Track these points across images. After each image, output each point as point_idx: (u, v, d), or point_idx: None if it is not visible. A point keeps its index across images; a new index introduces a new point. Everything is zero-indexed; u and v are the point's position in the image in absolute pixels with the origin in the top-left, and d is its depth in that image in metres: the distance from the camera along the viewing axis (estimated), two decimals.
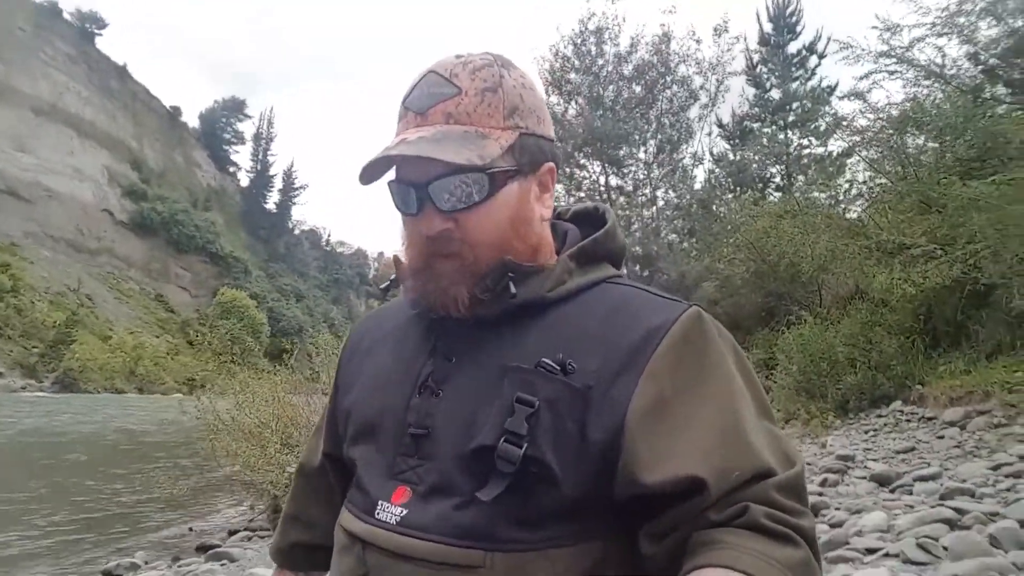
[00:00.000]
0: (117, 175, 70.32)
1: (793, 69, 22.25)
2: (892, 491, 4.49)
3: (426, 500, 0.66)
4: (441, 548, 0.63)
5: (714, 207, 14.81)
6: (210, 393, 8.25)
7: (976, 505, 3.60)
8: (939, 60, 8.08)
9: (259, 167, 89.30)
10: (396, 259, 0.75)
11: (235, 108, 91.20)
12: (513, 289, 0.68)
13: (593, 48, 15.43)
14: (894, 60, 8.34)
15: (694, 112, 16.16)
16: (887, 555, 2.99)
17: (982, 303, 6.81)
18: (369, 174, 0.70)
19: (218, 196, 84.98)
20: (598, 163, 16.20)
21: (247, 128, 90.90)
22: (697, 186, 16.84)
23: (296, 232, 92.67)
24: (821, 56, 21.95)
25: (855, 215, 8.40)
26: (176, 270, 69.48)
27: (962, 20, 7.77)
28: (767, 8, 23.16)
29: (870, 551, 3.08)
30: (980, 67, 7.90)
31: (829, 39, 21.97)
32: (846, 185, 12.58)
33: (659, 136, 15.77)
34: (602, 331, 0.67)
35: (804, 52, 22.34)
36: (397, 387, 0.74)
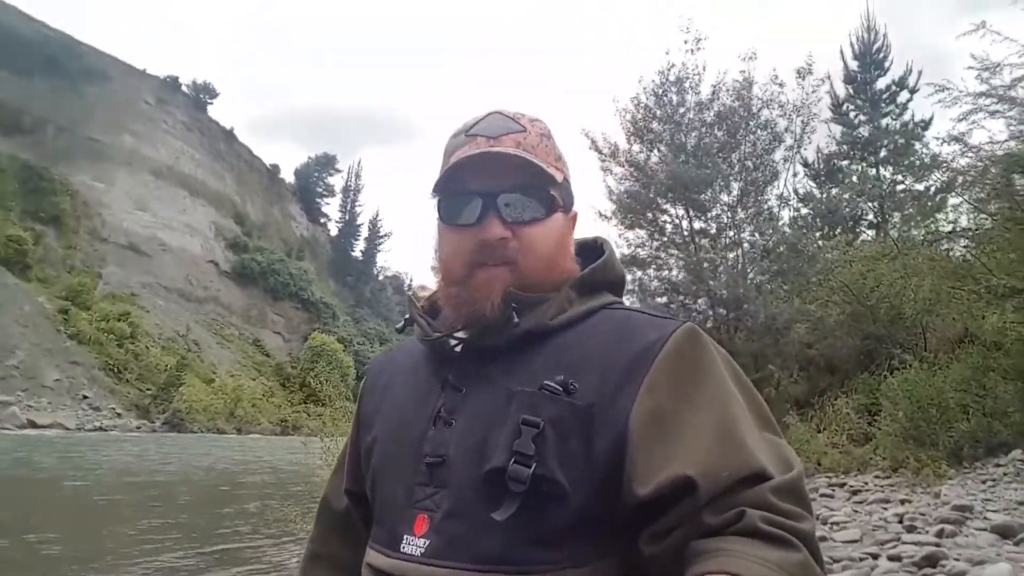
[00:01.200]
0: (223, 229, 76.21)
1: (883, 105, 21.73)
2: (1016, 543, 4.35)
3: (444, 526, 0.68)
4: (463, 574, 0.65)
5: (801, 246, 14.50)
6: (323, 433, 8.86)
7: None
8: None
9: (347, 217, 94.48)
10: (411, 300, 0.82)
11: (326, 163, 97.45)
12: (516, 319, 0.72)
13: (674, 97, 15.75)
14: (994, 100, 8.19)
15: (779, 155, 16.03)
16: None
17: None
18: (446, 183, 0.77)
19: (310, 246, 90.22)
20: (681, 207, 16.29)
21: (337, 181, 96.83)
22: (783, 226, 16.57)
23: (380, 278, 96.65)
24: (912, 91, 21.37)
25: (959, 254, 8.09)
26: (272, 316, 73.87)
27: None
28: (852, 45, 22.92)
29: None
30: None
31: (920, 73, 21.44)
32: (948, 225, 12.13)
33: (743, 179, 15.72)
34: (601, 351, 0.71)
35: (894, 87, 21.84)
36: (413, 421, 0.77)
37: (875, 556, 4.54)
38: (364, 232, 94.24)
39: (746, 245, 15.19)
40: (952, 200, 10.86)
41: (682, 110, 15.63)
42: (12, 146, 56.51)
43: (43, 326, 43.20)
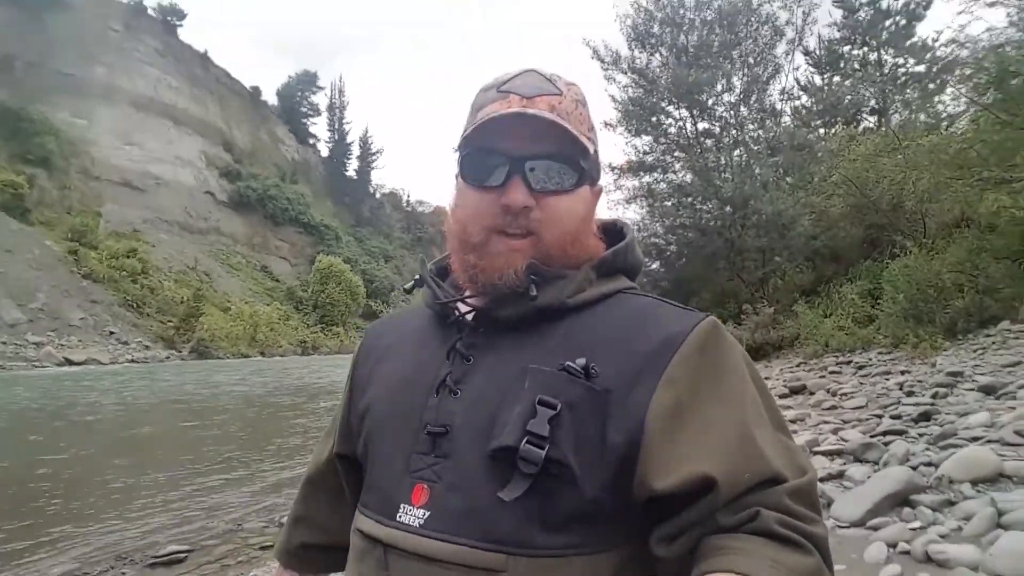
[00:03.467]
0: (213, 158, 75.01)
1: None
2: (997, 398, 5.22)
3: (445, 499, 0.67)
4: (465, 551, 0.64)
5: (804, 140, 14.88)
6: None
7: None
8: None
9: (336, 136, 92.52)
10: (423, 260, 0.79)
11: (308, 81, 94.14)
12: (534, 291, 0.70)
13: None
14: None
15: (780, 48, 16.06)
16: (988, 441, 3.89)
17: None
18: (479, 138, 0.72)
19: (303, 168, 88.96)
20: (685, 109, 16.51)
21: (321, 100, 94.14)
22: (786, 121, 16.86)
23: (377, 196, 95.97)
24: None
25: (955, 147, 8.62)
26: (275, 242, 74.27)
27: None
28: None
29: (975, 439, 3.99)
30: None
31: None
32: (947, 105, 12.46)
33: (745, 77, 15.86)
34: (621, 338, 0.69)
35: None
36: (415, 387, 0.74)
37: (879, 416, 5.48)
38: (356, 150, 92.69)
39: (750, 143, 15.59)
40: (950, 90, 11.15)
41: (682, 10, 15.55)
42: None
43: (57, 268, 43.91)
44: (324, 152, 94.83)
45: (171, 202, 67.02)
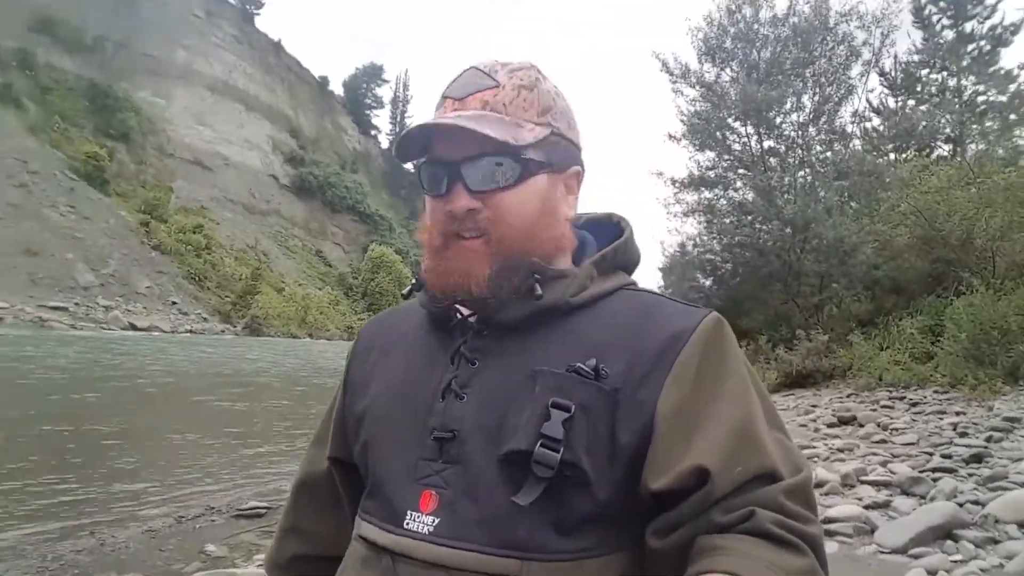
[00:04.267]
0: (279, 144, 77.80)
1: (969, 7, 20.50)
2: None
3: (456, 505, 0.66)
4: (479, 557, 0.63)
5: (873, 166, 14.55)
6: None
7: None
8: None
9: (398, 129, 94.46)
10: (417, 263, 0.78)
11: (374, 74, 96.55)
12: (539, 291, 0.69)
13: (748, 12, 15.51)
14: None
15: (855, 70, 15.74)
16: None
17: None
18: (404, 152, 0.74)
19: (363, 159, 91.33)
20: (751, 126, 16.37)
21: (385, 92, 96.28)
22: (856, 144, 16.53)
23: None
24: None
25: None
26: (331, 228, 76.61)
27: None
28: None
29: None
30: None
31: None
32: None
33: (816, 97, 15.62)
34: (627, 336, 0.68)
35: None
36: (417, 391, 0.73)
37: (929, 454, 5.49)
38: None
39: (817, 165, 15.35)
40: None
41: (756, 26, 15.44)
42: (76, 64, 58.28)
43: (128, 238, 46.48)
44: (385, 144, 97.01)
45: (237, 183, 69.87)
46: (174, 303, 43.78)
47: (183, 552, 4.09)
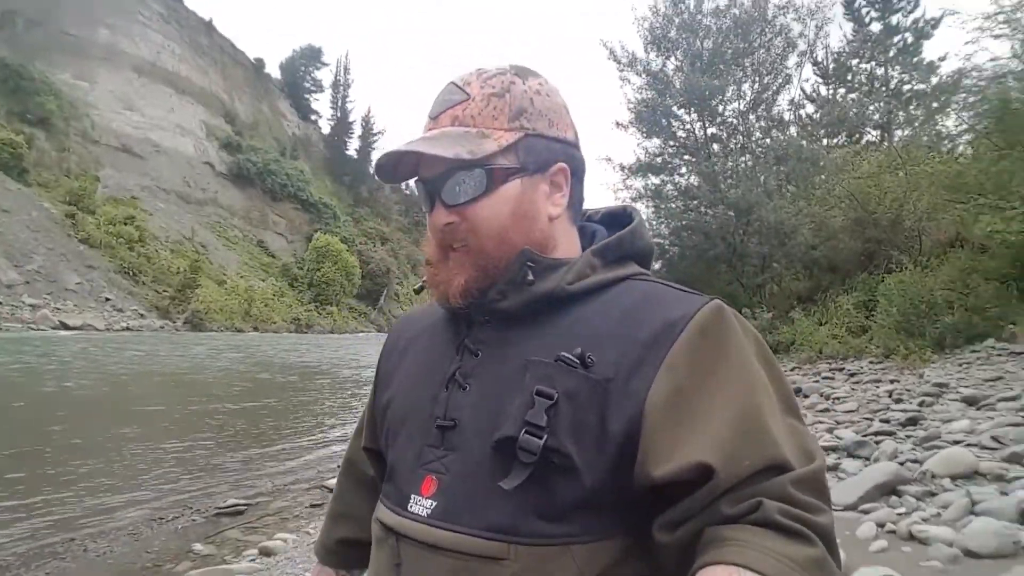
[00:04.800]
0: (214, 129, 74.67)
1: (895, 1, 21.66)
2: (978, 409, 5.71)
3: (452, 490, 0.69)
4: (468, 540, 0.66)
5: (808, 152, 15.30)
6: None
7: None
8: None
9: (339, 114, 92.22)
10: (427, 261, 0.79)
11: (312, 56, 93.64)
12: (531, 277, 0.71)
13: (692, 3, 15.96)
14: (1001, 21, 8.87)
15: (792, 60, 16.47)
16: (968, 444, 4.37)
17: None
18: (390, 174, 0.77)
19: (303, 145, 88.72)
20: (695, 113, 16.89)
21: (325, 76, 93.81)
22: (793, 131, 17.31)
23: (377, 177, 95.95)
24: None
25: (954, 169, 9.09)
26: (273, 217, 74.23)
27: None
28: None
29: (956, 442, 4.48)
30: None
31: None
32: (949, 129, 12.94)
33: (756, 86, 16.27)
34: (622, 324, 0.69)
35: None
36: (427, 382, 0.77)
37: (869, 420, 5.97)
38: (357, 130, 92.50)
39: (757, 151, 16.02)
40: (952, 115, 11.61)
41: (700, 16, 15.92)
42: None
43: (54, 231, 43.85)
44: (326, 129, 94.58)
45: (170, 171, 66.78)
46: (107, 299, 41.62)
47: (170, 552, 4.07)
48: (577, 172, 0.78)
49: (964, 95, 9.66)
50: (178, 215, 62.92)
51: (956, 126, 11.36)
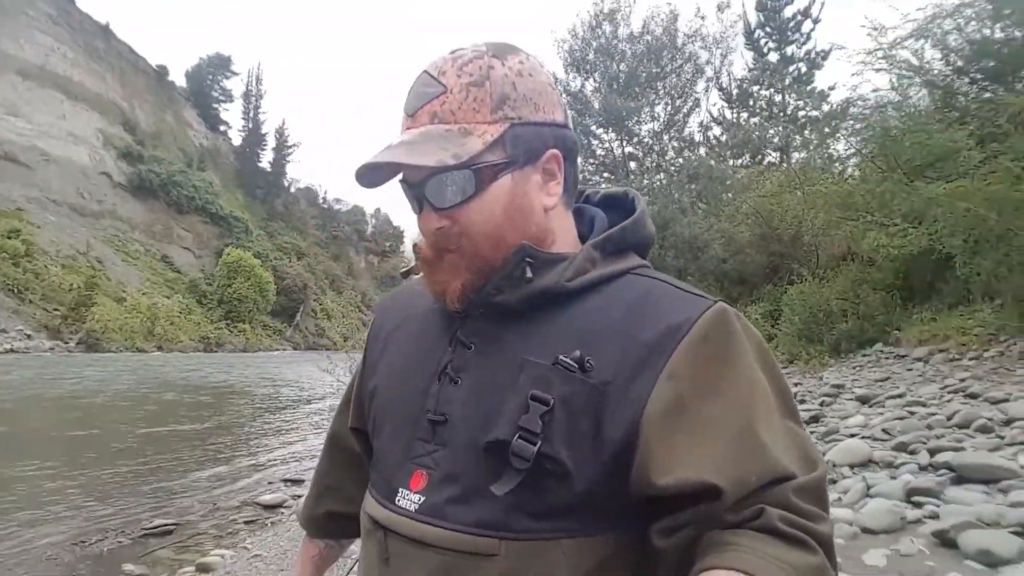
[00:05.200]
0: (111, 137, 70.03)
1: (789, 34, 23.53)
2: (871, 406, 6.33)
3: (441, 486, 0.67)
4: (457, 536, 0.65)
5: (718, 172, 16.31)
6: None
7: (924, 409, 5.52)
8: (916, 61, 9.68)
9: (251, 126, 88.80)
10: (415, 246, 0.76)
11: (221, 65, 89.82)
12: (529, 273, 0.68)
13: (608, 28, 16.75)
14: (880, 57, 9.91)
15: (700, 86, 17.58)
16: (863, 437, 4.87)
17: (946, 267, 8.60)
18: (371, 178, 0.72)
19: (212, 156, 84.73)
20: (613, 132, 17.65)
21: (235, 85, 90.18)
22: (703, 152, 18.43)
23: (292, 190, 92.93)
24: (816, 21, 23.27)
25: (845, 189, 10.03)
26: (178, 231, 70.21)
27: (934, 27, 9.32)
28: None
29: (852, 435, 4.97)
30: (950, 67, 9.51)
31: (823, 4, 23.25)
32: (839, 153, 14.19)
33: (668, 108, 17.22)
34: (623, 326, 0.66)
35: (799, 16, 23.60)
36: (417, 373, 0.74)
37: None
38: (271, 142, 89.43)
39: (671, 169, 16.93)
40: (842, 140, 12.77)
41: (616, 41, 16.73)
42: None
43: None
44: (237, 141, 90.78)
45: (61, 181, 61.93)
46: None
47: (99, 575, 3.85)
48: (570, 155, 0.73)
49: (851, 122, 10.67)
50: (71, 228, 58.38)
51: (845, 150, 12.50)
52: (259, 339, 61.86)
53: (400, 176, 0.72)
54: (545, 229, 0.72)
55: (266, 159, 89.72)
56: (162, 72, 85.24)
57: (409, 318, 0.82)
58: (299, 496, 5.49)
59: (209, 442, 9.55)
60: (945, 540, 2.92)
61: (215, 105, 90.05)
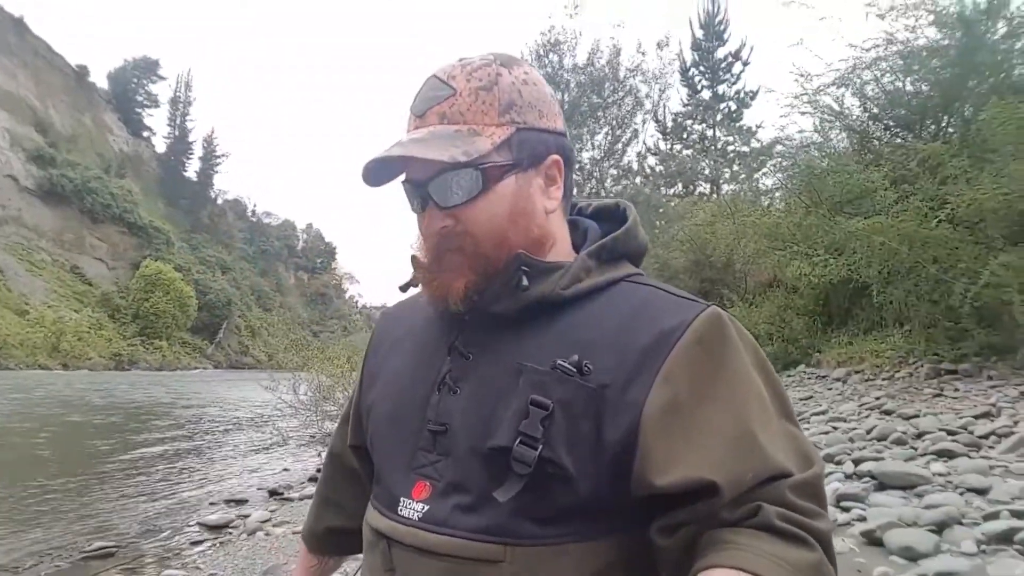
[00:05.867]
0: (20, 138, 65.48)
1: (721, 73, 25.02)
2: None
3: (445, 496, 0.68)
4: (462, 543, 0.65)
5: (654, 201, 17.05)
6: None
7: (845, 424, 5.98)
8: (837, 106, 10.58)
9: (177, 133, 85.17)
10: (414, 259, 0.75)
11: (148, 68, 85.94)
12: (525, 282, 0.69)
13: (555, 58, 17.34)
14: (805, 101, 10.76)
15: (639, 117, 18.42)
16: None
17: (862, 295, 9.35)
18: (376, 176, 0.73)
19: (133, 163, 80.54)
20: None
21: (162, 91, 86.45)
22: (640, 181, 19.22)
23: (219, 202, 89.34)
24: (745, 63, 24.87)
25: (773, 219, 10.73)
26: (92, 241, 65.98)
27: (854, 77, 10.25)
28: (698, 15, 25.79)
29: None
30: (867, 114, 10.44)
31: (752, 48, 24.89)
32: (766, 187, 15.15)
33: (609, 137, 17.92)
34: (619, 332, 0.67)
35: (731, 58, 25.15)
36: (417, 384, 0.75)
37: None
38: (198, 151, 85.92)
39: (611, 196, 17.59)
40: (769, 176, 13.67)
41: (561, 71, 17.33)
42: None
43: None
44: (161, 148, 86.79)
45: None
46: None
47: None
48: (569, 162, 0.76)
49: (779, 159, 11.48)
50: None
51: (772, 184, 13.38)
52: (177, 357, 58.69)
53: (403, 177, 0.73)
54: (546, 232, 0.74)
55: (192, 168, 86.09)
56: (82, 72, 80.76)
57: (406, 332, 0.84)
58: (246, 516, 5.31)
59: (134, 464, 9.02)
60: (872, 539, 3.24)
61: (139, 110, 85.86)
